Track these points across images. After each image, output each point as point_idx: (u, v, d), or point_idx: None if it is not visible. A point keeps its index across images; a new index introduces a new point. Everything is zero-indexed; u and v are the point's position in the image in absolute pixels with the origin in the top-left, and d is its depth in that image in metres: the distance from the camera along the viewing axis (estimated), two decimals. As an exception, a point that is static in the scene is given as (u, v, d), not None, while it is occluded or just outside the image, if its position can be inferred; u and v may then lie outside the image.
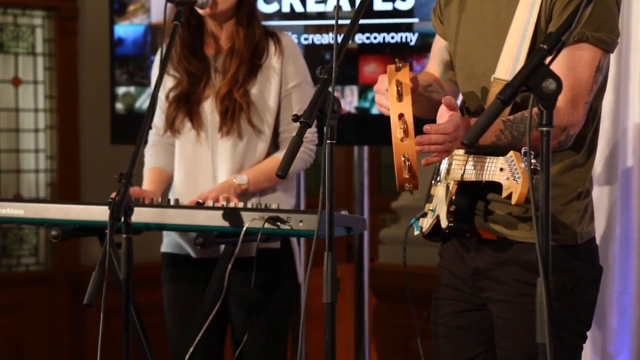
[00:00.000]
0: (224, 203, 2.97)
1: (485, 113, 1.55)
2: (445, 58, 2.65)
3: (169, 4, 2.98)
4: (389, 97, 2.32)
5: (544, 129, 1.51)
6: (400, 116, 2.28)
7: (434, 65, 2.69)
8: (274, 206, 2.93)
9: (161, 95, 3.26)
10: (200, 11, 3.15)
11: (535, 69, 1.51)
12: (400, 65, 2.36)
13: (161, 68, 2.81)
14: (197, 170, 3.24)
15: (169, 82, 3.25)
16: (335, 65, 2.24)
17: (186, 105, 3.22)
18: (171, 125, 3.25)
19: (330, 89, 2.23)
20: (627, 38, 3.40)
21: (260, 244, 2.87)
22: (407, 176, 2.29)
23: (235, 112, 3.15)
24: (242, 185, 3.11)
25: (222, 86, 3.17)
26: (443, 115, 2.34)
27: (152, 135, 3.38)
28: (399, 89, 2.31)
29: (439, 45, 2.68)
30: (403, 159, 2.28)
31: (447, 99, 2.33)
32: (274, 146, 3.24)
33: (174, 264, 3.26)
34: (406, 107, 2.30)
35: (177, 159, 3.29)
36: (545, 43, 1.53)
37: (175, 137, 3.28)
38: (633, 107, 3.47)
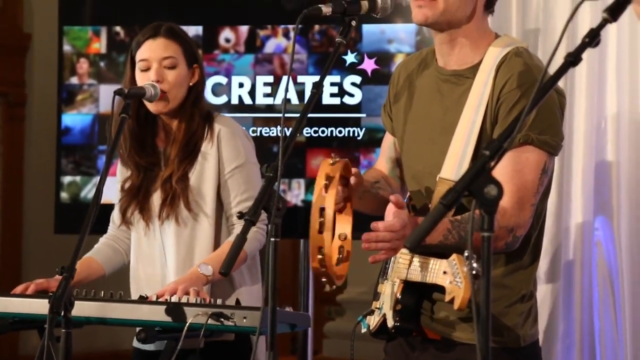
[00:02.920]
0: (195, 299, 2.91)
1: (428, 217, 1.56)
2: (394, 155, 2.67)
3: (117, 97, 3.00)
4: (315, 189, 2.33)
5: (485, 234, 1.52)
6: (322, 209, 2.29)
7: (382, 161, 2.71)
8: (217, 300, 2.91)
9: (118, 186, 3.26)
10: (151, 107, 3.15)
11: (477, 175, 1.54)
12: (336, 160, 2.37)
13: (107, 161, 2.80)
14: (149, 261, 3.21)
15: (124, 173, 3.25)
16: (281, 163, 2.25)
17: (137, 197, 3.21)
18: (123, 217, 3.23)
19: (275, 187, 2.24)
20: (569, 139, 3.47)
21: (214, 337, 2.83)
22: (322, 270, 2.30)
23: (174, 198, 3.14)
24: (208, 276, 3.07)
25: (164, 173, 3.17)
26: (391, 213, 2.35)
27: (109, 228, 3.36)
28: (327, 182, 2.32)
29: (388, 141, 2.70)
30: (319, 252, 2.28)
31: (395, 196, 2.34)
32: (220, 227, 3.21)
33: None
34: (329, 201, 2.30)
35: (132, 251, 3.27)
36: (487, 149, 1.56)
37: (129, 230, 3.26)
38: (575, 207, 3.53)
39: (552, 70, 1.85)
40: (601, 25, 1.68)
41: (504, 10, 3.67)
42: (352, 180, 2.41)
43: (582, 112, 3.51)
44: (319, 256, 2.29)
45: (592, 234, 3.50)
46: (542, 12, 3.68)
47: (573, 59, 1.65)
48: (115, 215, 3.30)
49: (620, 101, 3.44)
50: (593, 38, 1.66)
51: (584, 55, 3.43)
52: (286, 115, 4.06)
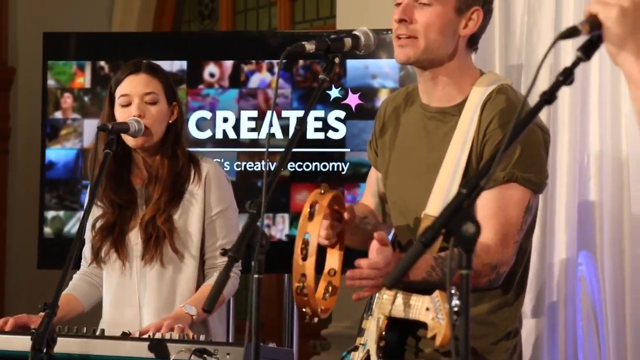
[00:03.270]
0: (178, 334, 2.90)
1: (407, 255, 1.56)
2: (380, 190, 2.68)
3: (100, 132, 3.01)
4: (301, 216, 2.32)
5: (464, 272, 1.53)
6: (304, 236, 2.28)
7: (368, 197, 2.72)
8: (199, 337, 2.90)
9: (88, 225, 3.23)
10: (131, 142, 3.14)
11: (454, 213, 1.54)
12: (324, 190, 2.36)
13: (90, 197, 2.80)
14: (123, 301, 3.19)
15: (95, 212, 3.23)
16: (264, 199, 2.24)
17: (112, 235, 3.19)
18: (96, 255, 3.21)
19: (258, 224, 2.24)
20: (552, 175, 3.49)
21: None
22: (304, 299, 2.27)
23: (158, 239, 3.13)
24: (193, 316, 3.06)
25: (146, 213, 3.15)
26: (374, 250, 2.35)
27: (81, 265, 3.34)
28: (312, 209, 2.31)
29: (373, 177, 2.71)
30: (300, 280, 2.26)
31: (379, 234, 2.34)
32: (202, 268, 3.20)
33: None
34: (314, 228, 2.29)
35: (104, 290, 3.25)
36: (464, 187, 1.57)
37: (100, 268, 3.24)
38: (559, 242, 3.54)
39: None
40: (575, 64, 1.70)
41: (487, 46, 3.69)
42: (346, 215, 2.41)
43: (564, 149, 3.53)
44: (299, 284, 2.27)
45: (576, 269, 3.51)
46: (524, 48, 3.71)
47: (548, 98, 1.66)
48: (87, 253, 3.28)
49: (602, 139, 3.46)
50: (567, 76, 1.67)
51: (567, 93, 3.48)
52: (271, 149, 4.08)
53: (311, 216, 2.30)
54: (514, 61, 3.77)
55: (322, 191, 2.35)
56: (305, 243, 2.27)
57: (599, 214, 3.46)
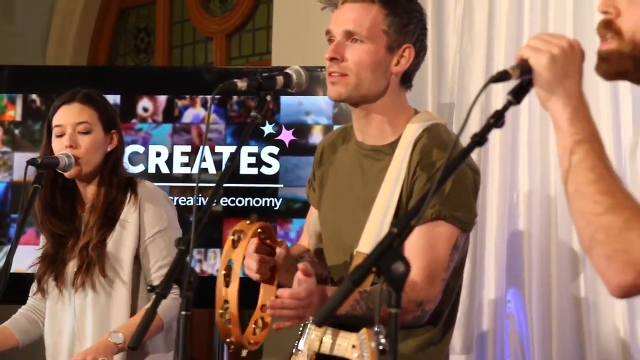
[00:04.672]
0: None
1: (336, 294, 1.57)
2: (318, 230, 2.68)
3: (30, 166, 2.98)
4: (225, 244, 2.30)
5: (393, 310, 1.54)
6: (228, 263, 2.27)
7: (306, 237, 2.71)
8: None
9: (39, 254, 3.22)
10: (65, 173, 3.13)
11: (384, 252, 1.55)
12: (252, 220, 2.34)
13: (17, 231, 2.77)
14: (61, 329, 3.16)
15: (42, 241, 3.22)
16: (193, 234, 2.22)
17: (52, 265, 3.17)
18: (39, 285, 3.19)
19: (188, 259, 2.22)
20: (482, 213, 3.53)
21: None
22: (228, 327, 2.24)
23: (89, 265, 3.10)
24: (119, 344, 3.03)
25: (80, 241, 3.14)
26: (297, 280, 2.35)
27: (28, 298, 3.31)
28: (235, 237, 2.29)
29: (312, 216, 2.71)
30: (222, 307, 2.23)
31: (302, 264, 2.33)
32: (137, 294, 3.17)
33: None
34: (237, 255, 2.27)
35: (46, 320, 3.22)
36: (395, 226, 1.58)
37: (44, 299, 3.21)
38: (488, 279, 3.57)
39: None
40: (505, 107, 1.73)
41: (420, 84, 3.73)
42: (278, 250, 2.40)
43: (495, 188, 3.58)
44: (222, 311, 2.24)
45: (505, 306, 3.55)
46: (456, 87, 3.76)
47: (479, 140, 1.68)
48: (33, 284, 3.26)
49: (531, 178, 3.51)
50: (498, 119, 1.70)
51: (497, 133, 3.53)
52: (204, 185, 4.06)
53: (235, 244, 2.29)
54: (446, 100, 3.82)
55: (249, 221, 2.34)
56: (228, 270, 2.25)
57: (527, 251, 3.51)
